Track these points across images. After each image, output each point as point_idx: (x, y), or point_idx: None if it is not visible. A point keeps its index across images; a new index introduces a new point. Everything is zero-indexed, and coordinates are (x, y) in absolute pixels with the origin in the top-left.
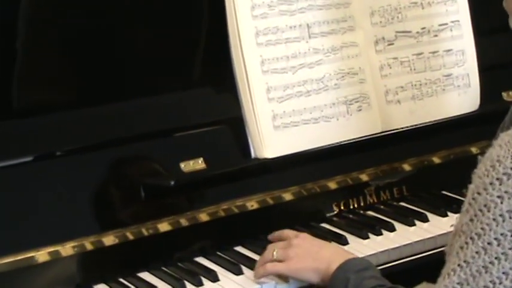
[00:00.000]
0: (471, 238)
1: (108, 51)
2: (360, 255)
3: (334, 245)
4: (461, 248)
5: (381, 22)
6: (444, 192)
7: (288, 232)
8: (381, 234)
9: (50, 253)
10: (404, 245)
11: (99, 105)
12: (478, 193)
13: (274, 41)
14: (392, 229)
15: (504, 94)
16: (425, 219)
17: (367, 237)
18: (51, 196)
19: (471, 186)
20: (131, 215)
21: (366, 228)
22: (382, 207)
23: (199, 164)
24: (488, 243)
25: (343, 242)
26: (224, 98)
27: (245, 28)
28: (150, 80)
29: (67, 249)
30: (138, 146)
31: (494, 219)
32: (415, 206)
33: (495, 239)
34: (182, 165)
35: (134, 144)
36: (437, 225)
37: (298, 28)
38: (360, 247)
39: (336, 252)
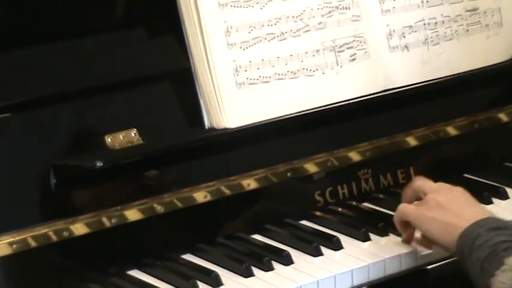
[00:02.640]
0: None
1: None
2: (361, 264)
3: (484, 208)
4: None
5: None
6: (467, 175)
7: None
8: (386, 234)
9: None
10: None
11: None
12: None
13: None
14: None
15: None
16: None
17: (368, 239)
18: None
19: None
20: (35, 212)
21: (365, 225)
22: (382, 196)
23: (131, 136)
24: None
25: (335, 246)
26: (165, 44)
27: None
28: (58, 20)
29: None
30: (45, 112)
31: None
32: None
33: None
34: (108, 139)
35: (39, 109)
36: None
37: None
38: (359, 252)
39: (480, 213)
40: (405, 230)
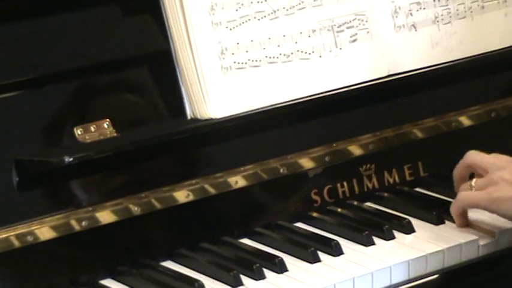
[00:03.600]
0: None
1: None
2: (364, 271)
3: None
4: None
5: None
6: None
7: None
8: (393, 237)
9: None
10: (432, 253)
11: None
12: None
13: None
14: (409, 229)
15: None
16: None
17: (371, 243)
18: None
19: None
20: None
21: (368, 228)
22: (386, 195)
23: (104, 128)
24: None
25: (334, 251)
26: (141, 23)
27: None
28: None
29: None
30: (6, 101)
31: None
32: (438, 193)
33: None
34: (78, 131)
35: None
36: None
37: None
38: (362, 258)
39: None
40: (462, 220)
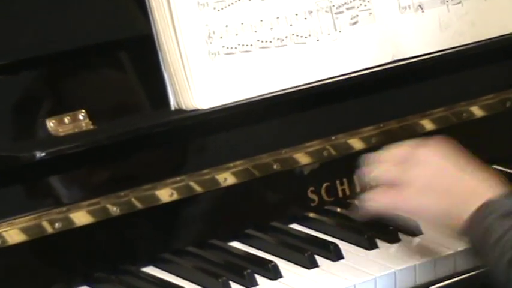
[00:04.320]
0: None
1: None
2: (366, 278)
3: (481, 170)
4: None
5: None
6: (496, 166)
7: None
8: (398, 240)
9: None
10: (442, 257)
11: None
12: None
13: None
14: (416, 231)
15: None
16: None
17: (374, 246)
18: None
19: None
20: None
21: (370, 230)
22: None
23: (79, 120)
24: None
25: (333, 255)
26: (120, 4)
27: None
28: None
29: None
30: None
31: None
32: None
33: None
34: (50, 123)
35: None
36: None
37: None
38: (363, 263)
39: (480, 186)
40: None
